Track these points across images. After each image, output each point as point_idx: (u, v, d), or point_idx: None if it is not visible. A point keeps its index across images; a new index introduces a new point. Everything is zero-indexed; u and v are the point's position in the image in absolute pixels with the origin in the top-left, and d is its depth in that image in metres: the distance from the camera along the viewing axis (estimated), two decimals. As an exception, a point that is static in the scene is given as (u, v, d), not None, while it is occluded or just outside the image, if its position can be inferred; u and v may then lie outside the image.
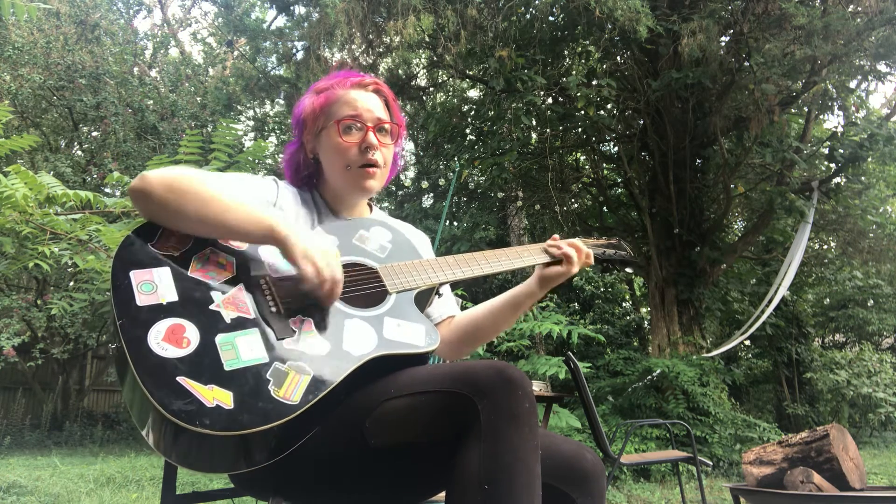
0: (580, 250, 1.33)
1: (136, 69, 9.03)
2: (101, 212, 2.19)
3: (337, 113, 1.25)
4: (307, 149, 1.29)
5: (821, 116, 8.24)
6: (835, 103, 7.18)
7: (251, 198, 1.15)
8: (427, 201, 12.42)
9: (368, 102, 1.27)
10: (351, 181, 1.25)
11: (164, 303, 0.94)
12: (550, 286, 1.34)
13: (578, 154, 9.24)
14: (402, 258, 1.19)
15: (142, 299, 0.93)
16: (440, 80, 10.43)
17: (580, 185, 9.43)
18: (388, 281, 1.13)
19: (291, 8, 8.46)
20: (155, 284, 0.96)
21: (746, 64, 6.54)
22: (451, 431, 0.90)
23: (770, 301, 6.85)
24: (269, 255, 1.08)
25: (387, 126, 1.28)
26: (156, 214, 1.03)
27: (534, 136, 8.10)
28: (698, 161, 7.93)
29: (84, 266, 2.07)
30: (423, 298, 1.17)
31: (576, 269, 1.32)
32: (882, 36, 5.72)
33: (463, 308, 1.47)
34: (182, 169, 1.06)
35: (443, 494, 0.95)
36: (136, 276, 0.96)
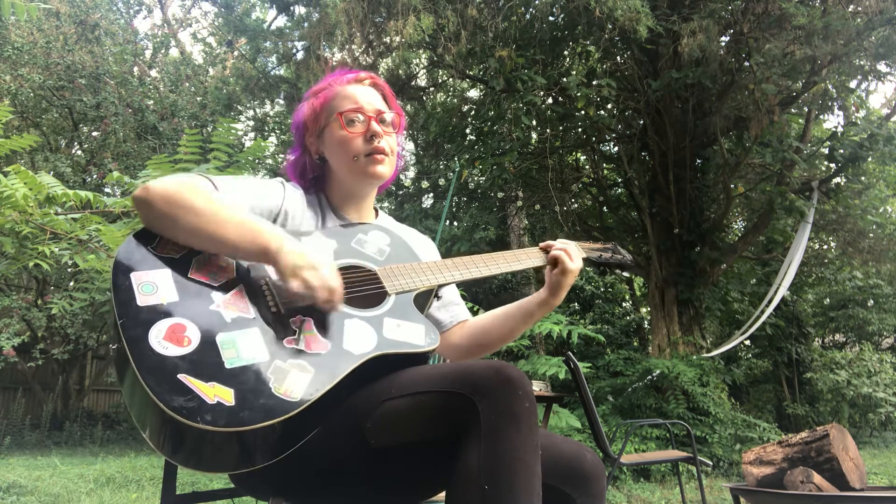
0: (569, 253, 1.32)
1: (136, 69, 9.03)
2: (101, 212, 2.19)
3: (338, 108, 1.26)
4: (311, 151, 1.30)
5: (821, 116, 8.24)
6: (835, 103, 7.18)
7: (250, 203, 1.15)
8: (427, 201, 12.42)
9: (367, 95, 1.28)
10: (360, 171, 1.25)
11: (165, 303, 0.94)
12: (560, 292, 1.33)
13: (578, 154, 9.24)
14: (400, 261, 1.20)
15: (142, 300, 0.94)
16: (440, 80, 10.43)
17: (580, 185, 9.42)
18: (387, 282, 1.13)
19: (291, 8, 8.47)
20: (155, 285, 0.96)
21: (746, 64, 6.54)
22: (451, 431, 0.90)
23: (770, 301, 6.84)
24: None
25: (387, 117, 1.29)
26: (155, 224, 1.04)
27: (534, 136, 8.09)
28: (698, 161, 7.93)
29: (84, 266, 2.07)
30: (423, 300, 1.18)
31: (571, 267, 1.32)
32: (882, 36, 5.72)
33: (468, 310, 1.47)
34: (185, 179, 1.06)
35: (443, 494, 0.95)
36: (136, 277, 0.97)
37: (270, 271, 1.07)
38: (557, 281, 1.32)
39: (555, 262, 1.32)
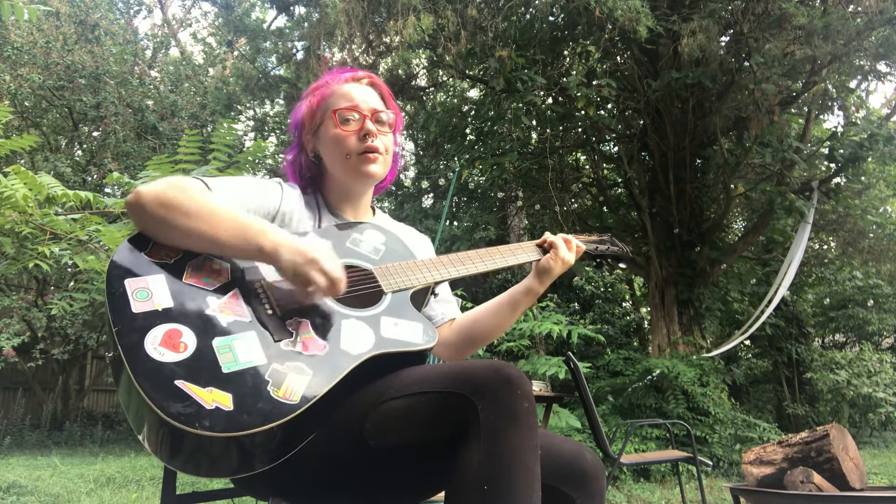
0: (568, 241, 1.37)
1: (136, 69, 9.03)
2: (100, 212, 2.19)
3: (333, 105, 1.26)
4: (307, 149, 1.29)
5: (821, 116, 8.24)
6: (835, 103, 7.18)
7: (247, 205, 1.15)
8: (427, 201, 12.42)
9: (364, 94, 1.28)
10: (353, 169, 1.24)
11: (160, 309, 0.94)
12: (547, 280, 1.35)
13: (578, 154, 9.24)
14: (396, 259, 1.20)
15: (137, 306, 0.93)
16: (440, 80, 10.43)
17: (580, 185, 9.42)
18: (383, 281, 1.13)
19: (291, 8, 8.47)
20: (150, 292, 0.96)
21: (746, 64, 6.53)
22: (450, 432, 0.90)
23: (770, 301, 6.84)
24: None
25: (383, 116, 1.28)
26: (150, 229, 1.04)
27: (534, 136, 8.09)
28: (698, 161, 7.93)
29: (84, 266, 2.07)
30: (420, 298, 1.17)
31: (565, 255, 1.34)
32: (882, 36, 5.72)
33: (463, 308, 1.48)
34: (177, 181, 1.06)
35: (443, 494, 0.95)
36: (130, 284, 0.96)
37: (266, 273, 1.06)
38: (547, 266, 1.33)
39: (550, 247, 1.34)
